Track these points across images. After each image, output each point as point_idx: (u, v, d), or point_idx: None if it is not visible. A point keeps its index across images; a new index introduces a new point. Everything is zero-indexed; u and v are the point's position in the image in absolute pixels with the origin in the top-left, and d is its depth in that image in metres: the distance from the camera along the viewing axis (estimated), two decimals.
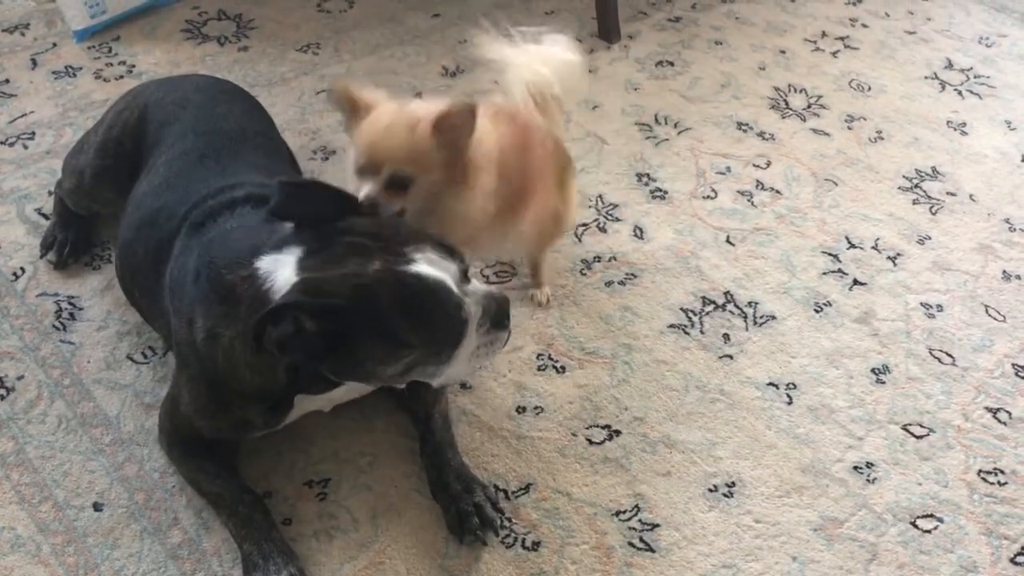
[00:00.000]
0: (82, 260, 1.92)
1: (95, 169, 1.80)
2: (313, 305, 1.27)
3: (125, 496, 1.56)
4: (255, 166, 1.69)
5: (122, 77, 2.38)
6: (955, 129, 2.44)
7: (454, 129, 1.50)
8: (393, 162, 1.49)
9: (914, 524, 1.59)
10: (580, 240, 2.05)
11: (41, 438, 1.63)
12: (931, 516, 1.61)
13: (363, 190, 1.48)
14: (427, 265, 1.33)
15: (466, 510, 1.52)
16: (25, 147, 2.17)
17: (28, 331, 1.79)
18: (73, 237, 1.90)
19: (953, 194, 2.24)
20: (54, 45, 2.48)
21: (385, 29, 2.62)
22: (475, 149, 1.54)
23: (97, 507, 1.54)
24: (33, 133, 2.21)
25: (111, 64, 2.43)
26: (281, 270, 1.32)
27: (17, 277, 1.88)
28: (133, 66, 2.42)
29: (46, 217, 1.99)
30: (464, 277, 1.40)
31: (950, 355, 1.87)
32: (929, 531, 1.59)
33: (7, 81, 2.35)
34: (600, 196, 2.16)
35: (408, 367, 1.35)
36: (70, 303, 1.84)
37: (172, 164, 1.66)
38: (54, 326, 1.80)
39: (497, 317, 1.42)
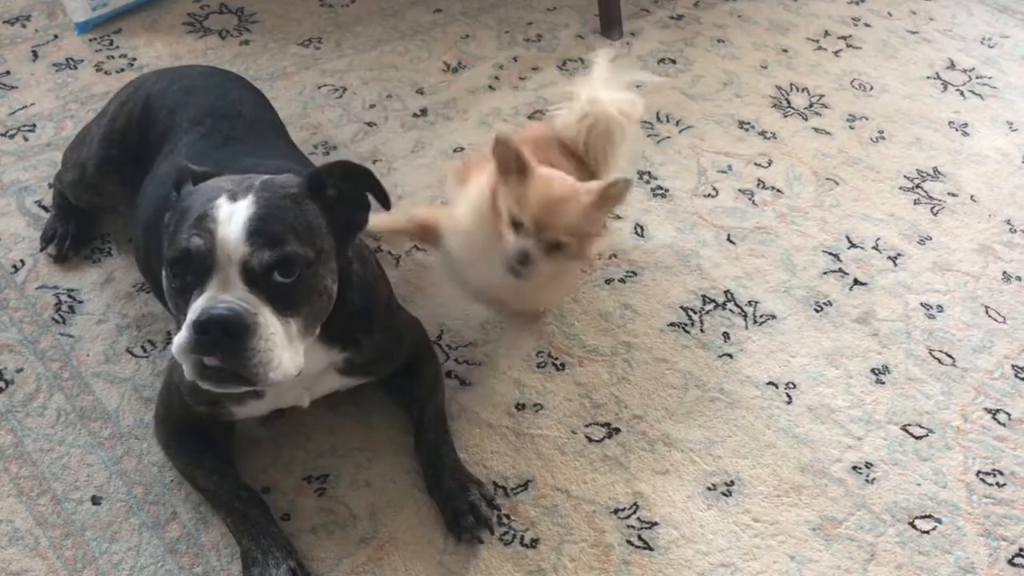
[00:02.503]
0: (82, 253, 1.92)
1: (99, 160, 1.79)
2: None
3: (124, 490, 1.56)
4: (282, 150, 1.73)
5: (123, 70, 2.37)
6: (957, 130, 2.44)
7: (610, 201, 1.61)
8: (562, 230, 1.56)
9: (912, 525, 1.59)
10: None
11: (40, 431, 1.63)
12: (929, 517, 1.61)
13: (521, 244, 1.55)
14: None
15: (461, 508, 1.52)
16: (26, 139, 2.17)
17: (28, 324, 1.79)
18: (73, 230, 1.90)
19: (954, 195, 2.24)
20: (55, 37, 2.47)
21: (387, 24, 2.62)
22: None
23: (95, 501, 1.54)
24: (34, 125, 2.21)
25: (112, 57, 2.42)
26: None
27: (17, 269, 1.88)
28: (134, 59, 2.42)
29: (46, 210, 1.98)
30: None
31: (950, 356, 1.87)
32: (927, 532, 1.59)
33: (8, 73, 2.35)
34: None
35: None
36: (70, 296, 1.84)
37: (195, 145, 1.66)
38: (54, 319, 1.80)
39: None
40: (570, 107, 1.81)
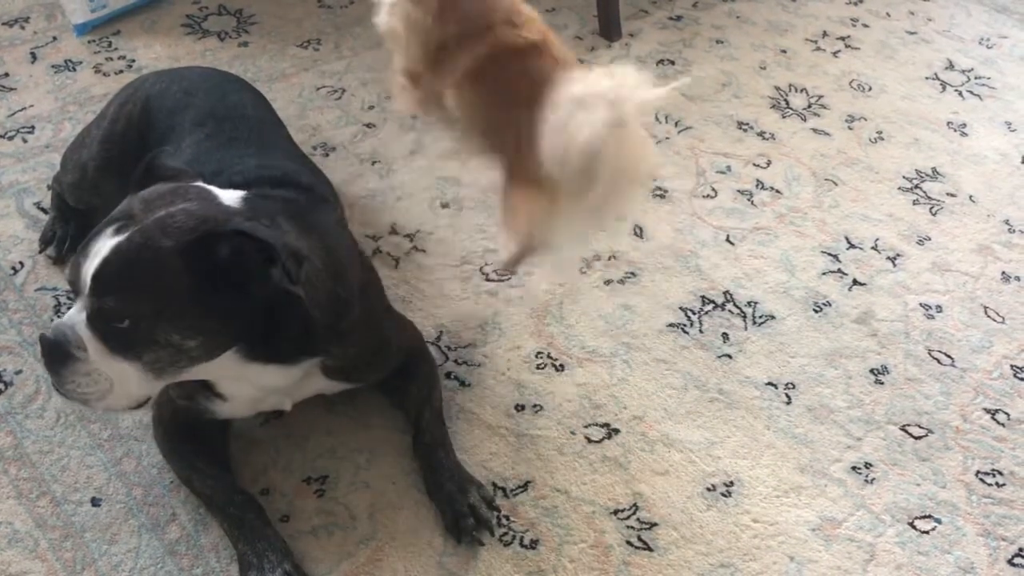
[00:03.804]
0: None
1: (99, 162, 1.79)
2: None
3: (123, 491, 1.56)
4: (285, 152, 1.73)
5: (122, 72, 2.37)
6: (955, 130, 2.44)
7: None
8: None
9: (912, 525, 1.60)
10: None
11: (39, 433, 1.63)
12: (929, 517, 1.61)
13: None
14: None
15: (461, 511, 1.52)
16: (24, 141, 2.17)
17: (27, 325, 1.79)
18: (73, 232, 1.90)
19: (953, 195, 2.24)
20: (54, 39, 2.47)
21: None
22: None
23: (95, 502, 1.54)
24: (32, 127, 2.21)
25: (111, 58, 2.42)
26: None
27: (16, 271, 1.88)
28: (133, 60, 2.42)
29: (44, 211, 1.98)
30: None
31: (949, 356, 1.87)
32: (927, 532, 1.59)
33: (6, 75, 2.35)
34: None
35: None
36: (69, 298, 1.83)
37: (198, 146, 1.65)
38: (52, 320, 1.80)
39: None
40: None
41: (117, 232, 1.30)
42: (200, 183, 1.42)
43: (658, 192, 2.18)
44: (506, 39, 1.61)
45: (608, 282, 1.96)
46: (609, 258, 2.01)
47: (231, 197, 1.39)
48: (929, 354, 1.87)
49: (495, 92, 1.63)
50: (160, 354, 1.31)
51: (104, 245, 1.29)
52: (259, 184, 1.48)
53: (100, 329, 1.28)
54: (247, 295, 1.32)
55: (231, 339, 1.36)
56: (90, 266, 1.28)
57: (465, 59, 1.63)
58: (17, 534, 1.50)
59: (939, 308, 1.97)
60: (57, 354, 1.30)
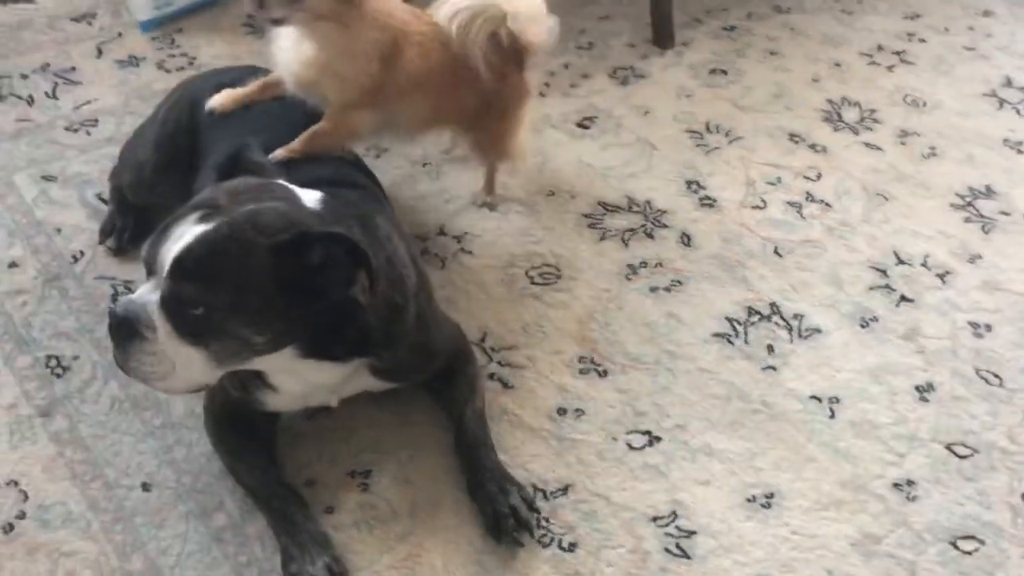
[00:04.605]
0: (139, 246, 1.95)
1: (155, 165, 1.83)
2: None
3: (173, 478, 1.60)
4: (345, 161, 1.76)
5: (183, 68, 2.43)
6: (1012, 148, 2.41)
7: None
8: None
9: (954, 545, 1.58)
10: (627, 245, 2.06)
11: (94, 417, 1.68)
12: (972, 538, 1.59)
13: None
14: None
15: (502, 511, 1.53)
16: (88, 134, 2.23)
17: (85, 313, 1.84)
18: (131, 225, 1.95)
19: (1007, 213, 2.21)
20: (119, 35, 2.53)
21: None
22: (372, 5, 1.66)
23: (146, 487, 1.58)
24: (96, 120, 2.27)
25: (173, 55, 2.48)
26: None
27: (76, 260, 1.93)
28: (194, 58, 2.47)
29: (105, 202, 2.04)
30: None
31: (997, 376, 1.85)
32: (969, 553, 1.57)
33: (73, 69, 2.41)
34: (648, 202, 2.17)
35: None
36: (126, 287, 1.88)
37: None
38: (109, 308, 1.84)
39: None
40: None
41: (202, 220, 1.31)
42: (283, 181, 1.45)
43: (706, 201, 2.18)
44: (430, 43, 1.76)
45: (654, 289, 1.97)
46: (656, 265, 2.02)
47: (311, 198, 1.42)
48: (977, 373, 1.85)
49: (435, 83, 1.78)
50: (227, 344, 1.33)
51: (188, 231, 1.30)
52: (317, 184, 1.50)
53: (172, 312, 1.30)
54: (320, 298, 1.35)
55: (294, 337, 1.38)
56: (171, 249, 1.29)
57: (402, 74, 1.74)
58: (71, 515, 1.54)
59: (988, 327, 1.94)
60: (125, 331, 1.31)
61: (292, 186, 1.43)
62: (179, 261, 1.28)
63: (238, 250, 1.29)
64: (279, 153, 1.66)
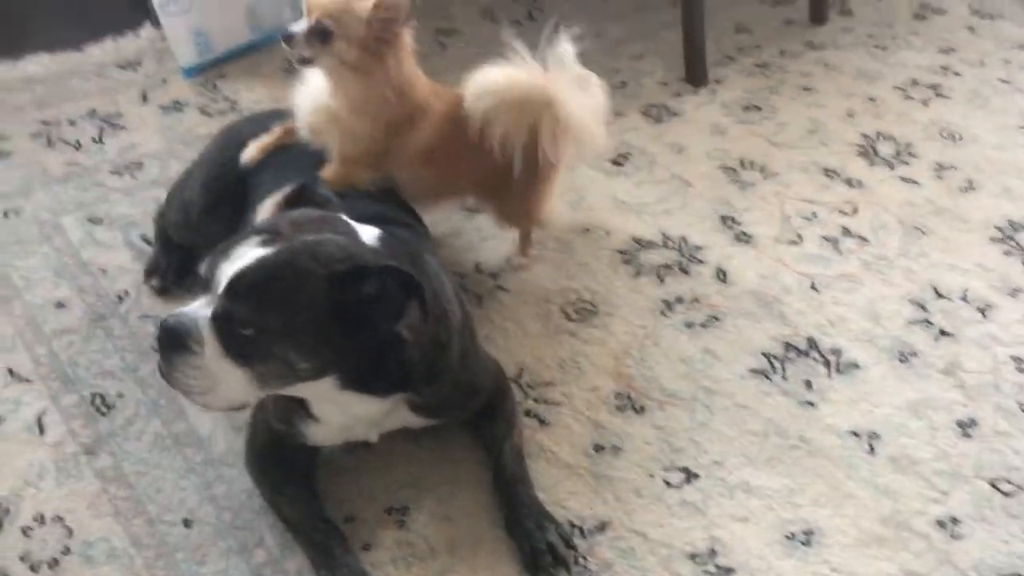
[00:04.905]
0: (182, 286, 2.00)
1: (202, 207, 1.88)
2: None
3: (213, 514, 1.62)
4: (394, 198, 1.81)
5: (225, 112, 2.49)
6: None
7: (390, 11, 1.65)
8: (323, 12, 1.64)
9: None
10: (662, 281, 2.06)
11: (137, 455, 1.70)
12: None
13: (292, 26, 1.67)
14: None
15: (539, 548, 1.53)
16: (133, 177, 2.29)
17: (129, 351, 1.88)
18: (176, 265, 1.99)
19: None
20: (164, 81, 2.61)
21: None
22: (397, 56, 1.71)
23: (187, 524, 1.61)
24: (141, 163, 2.33)
25: (215, 100, 2.54)
26: None
27: (121, 300, 1.98)
28: (236, 102, 2.53)
29: (149, 243, 2.08)
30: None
31: None
32: None
33: (120, 115, 2.48)
34: (684, 238, 2.17)
35: None
36: None
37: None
38: (153, 348, 1.87)
39: None
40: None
41: (263, 244, 1.34)
42: (345, 216, 1.48)
43: (743, 237, 2.18)
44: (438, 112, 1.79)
45: (690, 325, 1.97)
46: (692, 301, 2.02)
47: (369, 235, 1.46)
48: (1020, 408, 1.83)
49: (445, 158, 1.80)
50: (272, 367, 1.35)
51: (248, 252, 1.33)
52: (370, 220, 1.53)
53: (222, 330, 1.32)
54: (370, 330, 1.37)
55: (338, 367, 1.40)
56: (229, 268, 1.32)
57: (411, 146, 1.78)
58: (115, 551, 1.57)
59: None
60: (174, 341, 1.33)
61: (351, 222, 1.46)
62: (235, 280, 1.31)
63: (294, 277, 1.32)
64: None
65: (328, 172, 1.76)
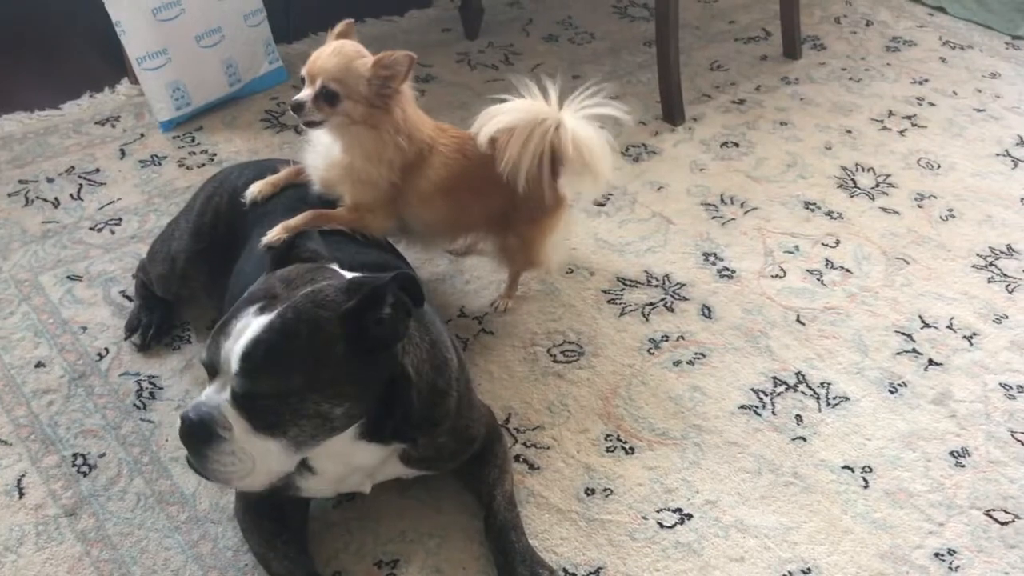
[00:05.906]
0: (163, 342, 1.98)
1: (189, 254, 1.86)
2: None
3: (199, 574, 1.58)
4: (385, 248, 1.81)
5: (204, 165, 2.48)
6: None
7: (390, 68, 1.69)
8: (328, 76, 1.68)
9: None
10: (647, 319, 2.05)
11: (120, 515, 1.67)
12: None
13: (298, 94, 1.71)
14: None
15: None
16: (112, 232, 2.27)
17: (110, 409, 1.85)
18: (157, 321, 1.97)
19: None
20: (142, 136, 2.60)
21: (455, 115, 2.69)
22: (402, 104, 1.74)
23: None
24: (120, 219, 2.31)
25: (194, 152, 2.54)
26: None
27: (102, 357, 1.95)
28: (214, 154, 2.53)
29: (130, 299, 2.06)
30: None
31: None
32: None
33: (98, 170, 2.47)
34: (667, 275, 2.17)
35: None
36: (151, 382, 1.90)
37: None
38: (135, 404, 1.85)
39: None
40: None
41: (262, 311, 1.32)
42: (335, 266, 1.47)
43: (725, 272, 2.18)
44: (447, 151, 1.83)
45: (677, 363, 1.96)
46: (678, 339, 2.01)
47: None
48: (1012, 436, 1.82)
49: (456, 193, 1.83)
50: (305, 426, 1.33)
51: (250, 324, 1.31)
52: (361, 269, 1.52)
53: (245, 407, 1.31)
54: (382, 349, 1.37)
55: (364, 406, 1.39)
56: (236, 346, 1.30)
57: (423, 182, 1.81)
58: None
59: (1021, 388, 1.91)
60: (201, 434, 1.31)
61: (341, 271, 1.46)
62: (247, 356, 1.29)
63: (307, 330, 1.31)
64: (275, 231, 1.70)
65: (341, 214, 1.78)
